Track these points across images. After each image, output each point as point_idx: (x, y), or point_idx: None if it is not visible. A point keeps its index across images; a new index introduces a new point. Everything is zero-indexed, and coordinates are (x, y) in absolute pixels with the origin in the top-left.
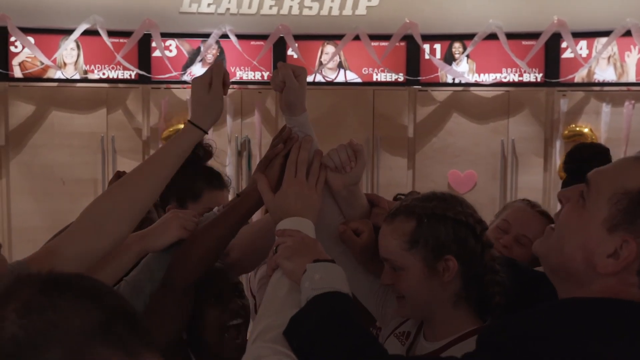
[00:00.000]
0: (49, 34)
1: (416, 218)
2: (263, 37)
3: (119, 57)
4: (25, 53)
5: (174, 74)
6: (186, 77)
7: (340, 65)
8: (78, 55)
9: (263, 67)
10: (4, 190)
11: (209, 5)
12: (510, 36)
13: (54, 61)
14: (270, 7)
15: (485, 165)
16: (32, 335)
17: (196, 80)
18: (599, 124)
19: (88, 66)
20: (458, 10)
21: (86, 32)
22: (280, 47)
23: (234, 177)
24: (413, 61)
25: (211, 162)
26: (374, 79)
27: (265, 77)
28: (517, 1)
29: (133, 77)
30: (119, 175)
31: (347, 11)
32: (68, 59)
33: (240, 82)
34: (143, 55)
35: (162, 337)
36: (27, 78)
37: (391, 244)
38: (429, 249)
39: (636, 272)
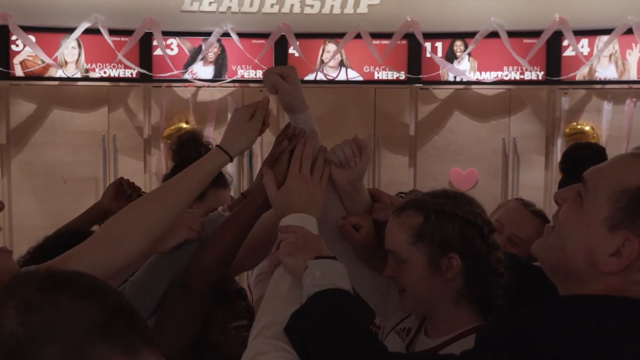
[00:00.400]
0: (50, 32)
1: (424, 213)
2: (264, 36)
3: (120, 56)
4: (26, 52)
5: (176, 72)
6: (187, 76)
7: (341, 64)
8: (79, 54)
9: (264, 65)
10: (5, 189)
11: (210, 3)
12: (512, 34)
13: (55, 60)
14: (272, 5)
15: (486, 163)
16: (31, 333)
17: (239, 110)
18: (600, 122)
19: (89, 65)
20: (459, 9)
21: (87, 31)
22: (281, 45)
23: (236, 176)
24: (414, 59)
25: None
26: (376, 77)
27: None
28: None
29: (134, 75)
30: (120, 182)
31: (349, 9)
32: (69, 58)
33: (242, 81)
34: (144, 53)
35: (178, 342)
36: (29, 77)
37: (397, 237)
38: (434, 245)
39: (639, 269)
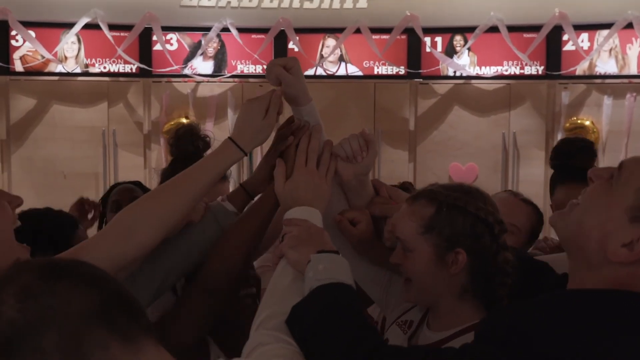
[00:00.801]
0: (50, 27)
1: (437, 205)
2: (264, 31)
3: (119, 51)
4: (26, 47)
5: (175, 67)
6: (187, 71)
7: (341, 59)
8: (79, 49)
9: (264, 60)
10: (5, 184)
11: None
12: (512, 29)
13: (55, 55)
14: (271, 0)
15: (486, 158)
16: (30, 320)
17: (252, 103)
18: (600, 117)
19: (89, 60)
20: (459, 3)
21: (87, 26)
22: (281, 40)
23: (235, 169)
24: (414, 54)
25: None
26: (375, 72)
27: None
28: None
29: (134, 70)
30: (81, 202)
31: (348, 4)
32: (69, 53)
33: (241, 76)
34: (144, 48)
35: (191, 335)
36: (28, 72)
37: (407, 225)
38: (443, 238)
39: None
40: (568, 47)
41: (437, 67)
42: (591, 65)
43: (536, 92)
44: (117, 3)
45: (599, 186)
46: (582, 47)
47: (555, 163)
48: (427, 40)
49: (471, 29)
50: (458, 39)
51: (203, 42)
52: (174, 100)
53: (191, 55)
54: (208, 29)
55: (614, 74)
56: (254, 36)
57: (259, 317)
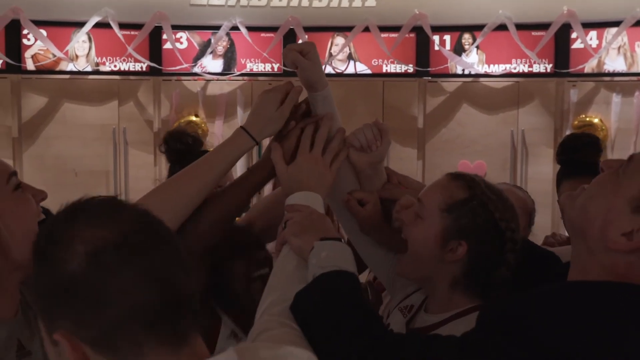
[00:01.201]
0: (61, 26)
1: (470, 194)
2: (273, 29)
3: (130, 50)
4: (37, 45)
5: (185, 65)
6: (197, 69)
7: (350, 57)
8: (90, 48)
9: (273, 58)
10: None
11: None
12: (520, 27)
13: (66, 53)
14: None
15: (495, 155)
16: (89, 287)
17: (268, 93)
18: (609, 114)
19: (100, 58)
20: (467, 1)
21: (98, 25)
22: (290, 38)
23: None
24: (423, 52)
25: None
26: (384, 70)
27: (276, 69)
28: None
29: (144, 69)
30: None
31: (357, 2)
32: (80, 52)
33: (251, 74)
34: (154, 47)
35: None
36: (40, 70)
37: (435, 195)
38: (456, 225)
39: None
40: (576, 45)
41: (446, 65)
42: (600, 63)
43: (545, 90)
44: (127, 2)
45: (607, 175)
46: (590, 45)
47: (561, 158)
48: (436, 38)
49: (480, 27)
50: (466, 37)
51: (212, 40)
52: (183, 99)
53: (201, 54)
54: (217, 28)
55: (623, 72)
56: (263, 35)
57: (264, 303)
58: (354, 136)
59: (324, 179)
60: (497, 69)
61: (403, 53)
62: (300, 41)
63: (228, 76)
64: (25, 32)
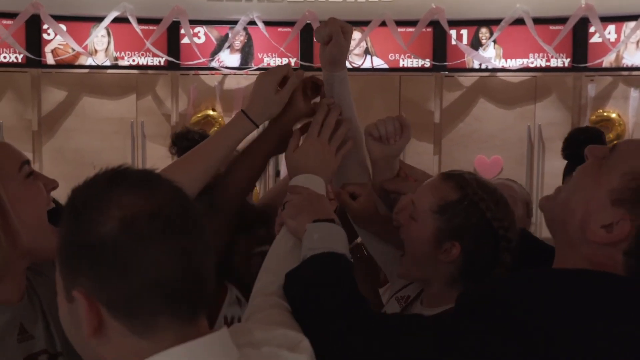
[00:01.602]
0: (81, 21)
1: (461, 194)
2: (290, 24)
3: (148, 44)
4: (57, 40)
5: (202, 60)
6: (214, 64)
7: (366, 51)
8: (109, 42)
9: (290, 53)
10: None
11: None
12: (538, 21)
13: (85, 48)
14: None
15: (511, 150)
16: (119, 252)
17: (265, 76)
18: (627, 109)
19: (118, 53)
20: None
21: (116, 20)
22: (307, 33)
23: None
24: (439, 47)
25: None
26: (401, 65)
27: (293, 63)
28: None
29: (162, 63)
30: None
31: None
32: (99, 46)
33: (268, 68)
34: (172, 42)
35: None
36: (60, 65)
37: (427, 197)
38: (449, 226)
39: (623, 251)
40: (594, 39)
41: (463, 60)
42: (618, 58)
43: (562, 85)
44: None
45: (590, 165)
46: (608, 39)
47: (566, 153)
48: (453, 32)
49: (497, 21)
50: (484, 32)
51: (230, 35)
52: (201, 93)
53: (218, 48)
54: (235, 22)
55: None
56: (280, 29)
57: (259, 283)
58: (375, 126)
59: (327, 164)
60: (514, 63)
61: (420, 47)
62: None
63: (245, 70)
64: (45, 27)
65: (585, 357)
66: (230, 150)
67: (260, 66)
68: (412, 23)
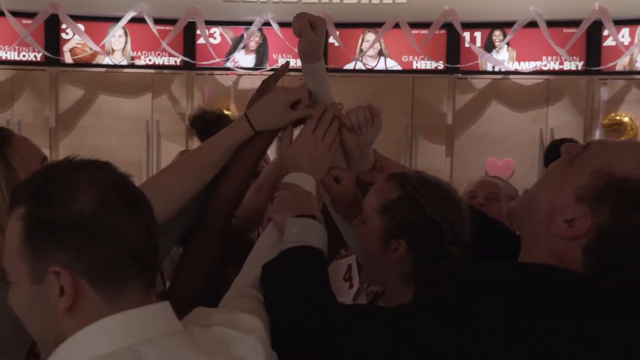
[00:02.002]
0: (98, 21)
1: (401, 192)
2: None
3: (164, 44)
4: (75, 40)
5: (218, 60)
6: (229, 64)
7: (380, 53)
8: (125, 42)
9: None
10: None
11: None
12: (551, 24)
13: (103, 47)
14: None
15: (523, 153)
16: (98, 223)
17: (283, 91)
18: (639, 113)
19: (135, 52)
20: None
21: (133, 20)
22: None
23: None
24: (453, 49)
25: None
26: (414, 67)
27: None
28: None
29: (178, 63)
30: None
31: None
32: (116, 46)
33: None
34: (188, 42)
35: (197, 281)
36: (77, 63)
37: (371, 199)
38: (392, 224)
39: (582, 247)
40: (608, 42)
41: (476, 62)
42: (631, 61)
43: (575, 88)
44: None
45: (561, 163)
46: (622, 42)
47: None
48: (466, 35)
49: (510, 24)
50: (497, 34)
51: (245, 36)
52: (216, 93)
53: (233, 49)
54: (250, 23)
55: None
56: None
57: (239, 275)
58: (347, 116)
59: (320, 163)
60: (528, 66)
61: (433, 49)
62: (331, 37)
63: (260, 71)
64: (63, 26)
65: (505, 338)
66: (228, 152)
67: (274, 67)
68: (425, 25)
